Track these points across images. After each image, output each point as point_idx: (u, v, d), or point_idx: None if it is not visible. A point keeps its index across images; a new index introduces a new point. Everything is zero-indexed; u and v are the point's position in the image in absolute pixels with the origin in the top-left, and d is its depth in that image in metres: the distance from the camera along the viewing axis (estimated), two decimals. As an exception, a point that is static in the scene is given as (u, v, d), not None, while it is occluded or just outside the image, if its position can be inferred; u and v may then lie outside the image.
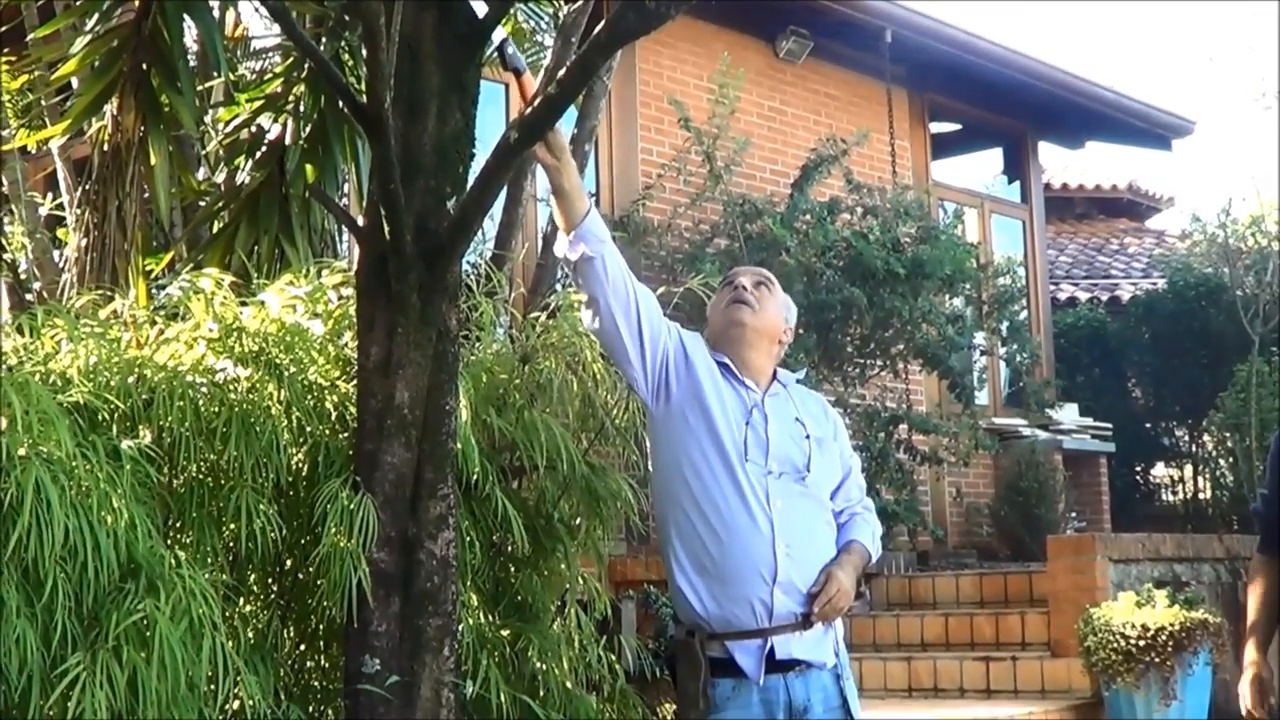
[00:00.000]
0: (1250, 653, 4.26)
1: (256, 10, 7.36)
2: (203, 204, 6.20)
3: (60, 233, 7.06)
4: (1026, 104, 13.39)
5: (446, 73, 4.13)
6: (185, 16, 5.67)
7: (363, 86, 3.88)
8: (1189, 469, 14.88)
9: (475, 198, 3.98)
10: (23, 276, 7.30)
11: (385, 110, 3.77)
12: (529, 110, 3.76)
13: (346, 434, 4.23)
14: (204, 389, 4.11)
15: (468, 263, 7.30)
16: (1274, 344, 12.19)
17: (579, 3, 7.28)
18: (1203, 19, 38.35)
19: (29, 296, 7.04)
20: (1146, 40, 47.28)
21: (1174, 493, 15.27)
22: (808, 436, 3.84)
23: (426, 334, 4.04)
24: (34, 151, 7.59)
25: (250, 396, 4.15)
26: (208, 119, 6.34)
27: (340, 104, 5.45)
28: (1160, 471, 15.54)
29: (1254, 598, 4.31)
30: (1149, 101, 13.99)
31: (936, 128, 13.67)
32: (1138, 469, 15.17)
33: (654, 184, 10.31)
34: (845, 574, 3.74)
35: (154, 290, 5.71)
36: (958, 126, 14.13)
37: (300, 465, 4.23)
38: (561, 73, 3.74)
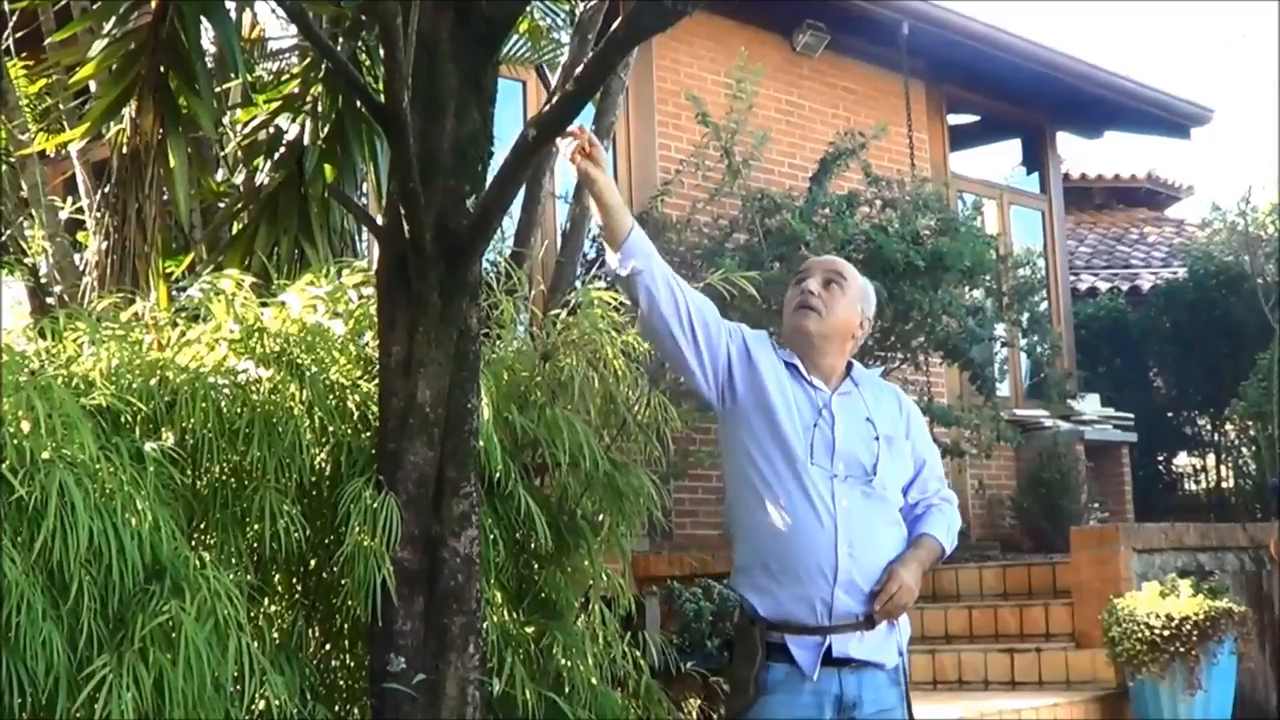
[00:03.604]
0: None
1: (273, 11, 7.39)
2: (222, 205, 6.21)
3: (81, 236, 7.07)
4: (1044, 95, 13.35)
5: (464, 72, 4.13)
6: (202, 19, 5.67)
7: (380, 87, 3.89)
8: (1211, 458, 14.83)
9: (494, 196, 3.98)
10: (43, 280, 7.31)
11: (403, 110, 3.78)
12: (546, 108, 3.77)
13: (369, 433, 4.25)
14: (226, 390, 4.13)
15: (488, 261, 7.34)
16: (1294, 333, 12.14)
17: (595, 0, 7.27)
18: (1221, 7, 38.30)
19: (50, 300, 7.06)
20: (1164, 29, 47.13)
21: (1197, 482, 15.22)
22: (877, 437, 3.79)
23: (447, 333, 4.05)
24: (53, 155, 7.60)
25: (272, 397, 4.16)
26: (226, 120, 6.35)
27: (358, 104, 5.46)
28: (1183, 461, 15.49)
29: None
30: (1167, 91, 13.94)
31: (955, 120, 13.64)
32: (1160, 459, 15.13)
33: (672, 180, 10.29)
34: (909, 571, 3.71)
35: (175, 292, 5.72)
36: (976, 118, 14.09)
37: (323, 465, 4.24)
38: (579, 70, 3.74)
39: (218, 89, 6.16)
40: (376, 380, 4.18)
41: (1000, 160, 14.68)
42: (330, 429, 4.22)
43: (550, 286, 7.38)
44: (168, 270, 5.99)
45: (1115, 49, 44.52)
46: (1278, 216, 13.23)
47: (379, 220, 4.22)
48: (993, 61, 12.38)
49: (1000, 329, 11.20)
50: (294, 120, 5.98)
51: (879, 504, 3.76)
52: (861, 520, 3.69)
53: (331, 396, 4.33)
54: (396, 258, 4.07)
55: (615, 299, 4.93)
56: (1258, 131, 33.87)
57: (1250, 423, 12.60)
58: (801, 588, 3.65)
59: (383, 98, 3.81)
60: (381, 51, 3.88)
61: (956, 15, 11.95)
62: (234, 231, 6.03)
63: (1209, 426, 14.69)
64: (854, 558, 3.66)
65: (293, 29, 6.64)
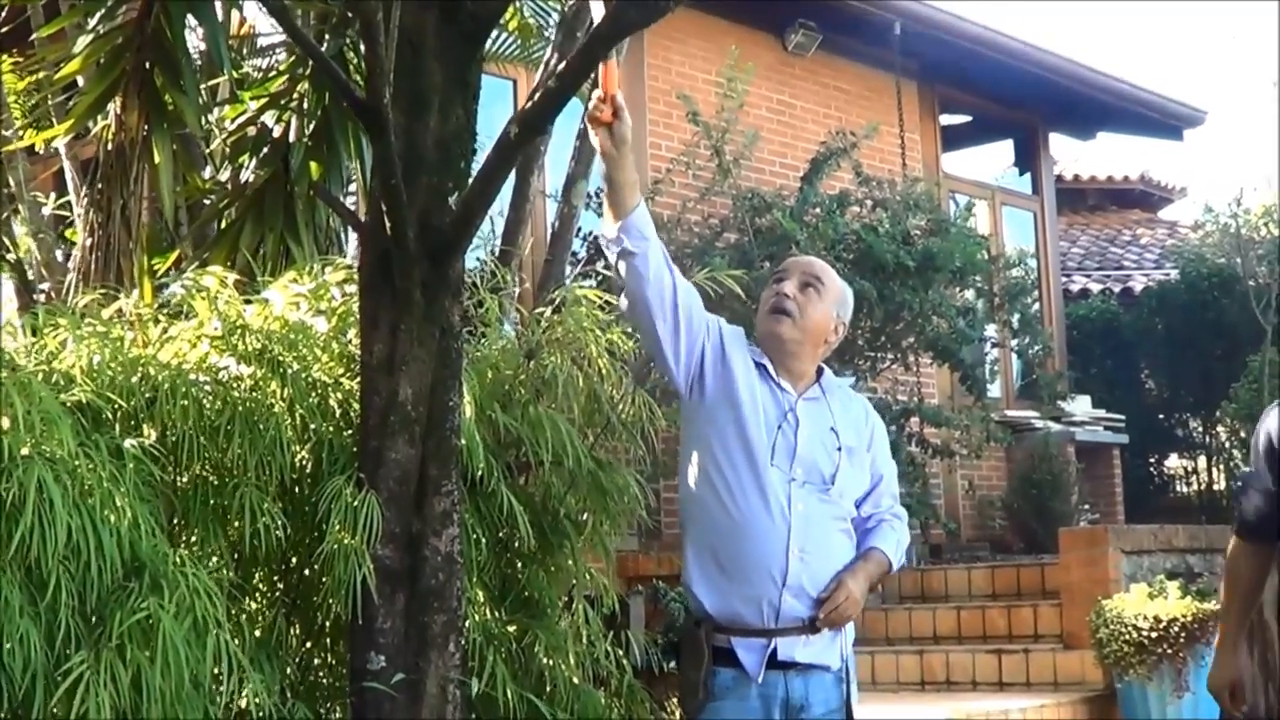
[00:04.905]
0: (1226, 649, 4.18)
1: (261, 8, 7.37)
2: (208, 202, 6.19)
3: (68, 233, 7.05)
4: (1037, 96, 13.35)
5: (448, 69, 4.11)
6: (189, 15, 5.66)
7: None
8: (1203, 460, 14.83)
9: (477, 194, 3.97)
10: (30, 277, 7.28)
11: (385, 107, 3.76)
12: (528, 104, 3.75)
13: (351, 431, 4.23)
14: (207, 387, 4.10)
15: (475, 258, 7.31)
16: (1285, 335, 12.14)
17: (583, -2, 7.25)
18: (1213, 7, 38.32)
19: (38, 297, 7.03)
20: (1156, 30, 47.16)
21: (1188, 484, 15.22)
22: (839, 448, 3.80)
23: (430, 330, 4.03)
24: (41, 151, 7.58)
25: (254, 394, 4.14)
26: (212, 116, 6.33)
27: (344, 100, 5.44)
28: (1174, 463, 15.49)
29: (1237, 587, 4.19)
30: (1160, 92, 13.95)
31: (947, 120, 13.64)
32: (1151, 460, 15.13)
33: (663, 179, 10.28)
34: (856, 582, 3.72)
35: (159, 289, 5.70)
36: (968, 119, 14.10)
37: (304, 463, 4.22)
38: (562, 66, 3.72)
39: (205, 84, 6.14)
40: (359, 378, 4.16)
41: (993, 161, 14.69)
42: (311, 426, 4.20)
43: (538, 284, 7.37)
44: (154, 266, 5.97)
45: (1108, 50, 44.54)
46: (1272, 218, 13.24)
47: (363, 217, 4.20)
48: (985, 62, 12.38)
49: (991, 330, 11.20)
50: (280, 117, 5.96)
51: (834, 512, 3.77)
52: (815, 526, 3.70)
53: (313, 394, 4.31)
54: (379, 255, 4.05)
55: (600, 297, 4.92)
56: (1250, 133, 33.94)
57: (1241, 425, 12.60)
58: (750, 588, 3.66)
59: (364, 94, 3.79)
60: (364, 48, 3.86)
61: (949, 15, 11.95)
62: (220, 228, 6.01)
63: (1200, 429, 14.69)
64: (805, 563, 3.67)
65: (264, 24, 6.64)
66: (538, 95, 3.71)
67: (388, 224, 3.96)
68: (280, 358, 4.23)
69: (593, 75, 3.62)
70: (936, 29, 11.85)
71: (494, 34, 7.84)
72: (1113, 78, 13.41)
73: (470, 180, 4.07)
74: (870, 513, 3.90)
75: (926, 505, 9.80)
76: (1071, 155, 18.33)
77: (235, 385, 4.15)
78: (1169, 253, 15.93)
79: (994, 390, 12.38)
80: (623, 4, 3.54)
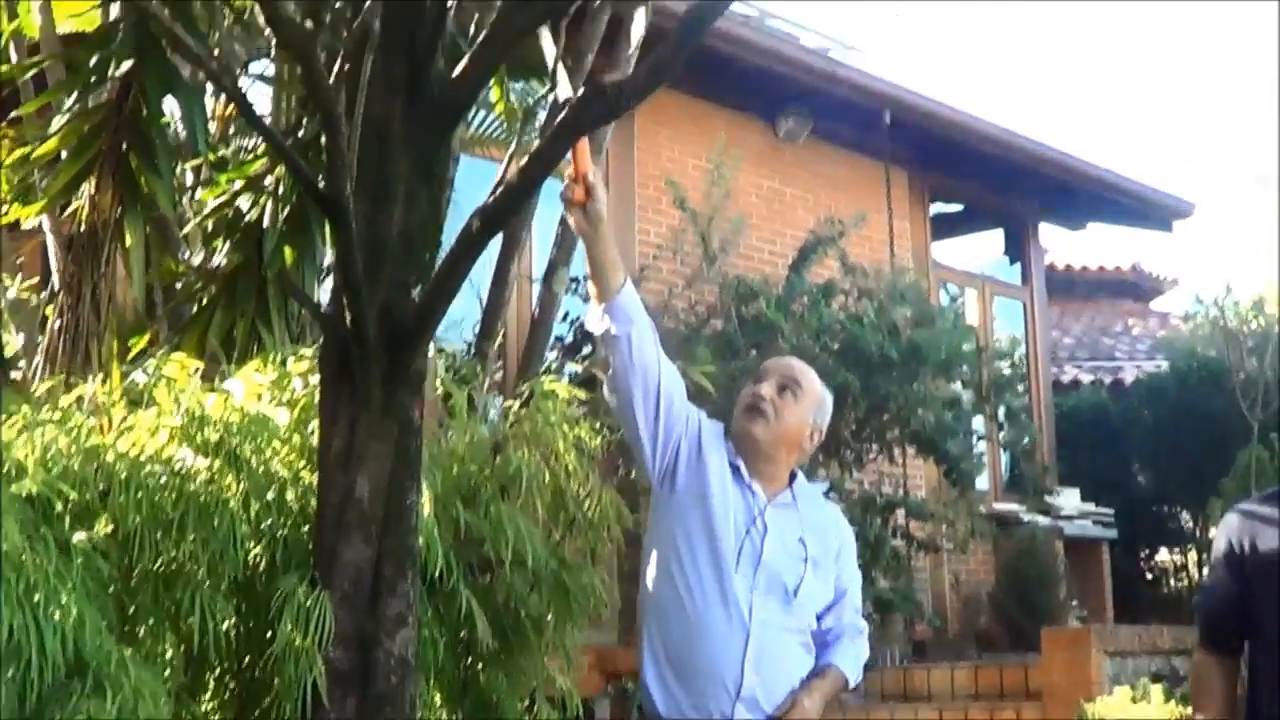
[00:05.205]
0: None
1: (245, 90, 7.34)
2: (180, 286, 6.12)
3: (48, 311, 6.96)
4: (1027, 185, 13.35)
5: (415, 158, 4.05)
6: (167, 95, 5.62)
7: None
8: (1193, 554, 14.70)
9: (439, 287, 3.89)
10: (9, 358, 7.18)
11: (346, 197, 3.70)
12: (491, 197, 3.69)
13: (308, 527, 4.13)
14: (164, 479, 4.01)
15: (455, 348, 7.24)
16: (1275, 429, 12.04)
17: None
18: (1203, 103, 38.61)
19: (15, 378, 6.93)
20: (1146, 123, 47.47)
21: (1178, 579, 15.08)
22: (805, 559, 3.74)
23: (389, 425, 3.94)
24: (24, 228, 7.51)
25: (210, 488, 4.05)
26: (189, 199, 6.27)
27: (319, 186, 5.39)
28: (1165, 557, 15.36)
29: (1206, 700, 4.06)
30: (1149, 183, 13.98)
31: (938, 208, 13.63)
32: (1142, 554, 14.99)
33: (649, 265, 10.23)
34: (812, 701, 3.66)
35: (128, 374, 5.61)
36: (959, 207, 14.09)
37: (259, 559, 4.12)
38: (525, 158, 3.67)
39: (185, 166, 6.10)
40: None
41: (983, 250, 14.66)
42: (267, 522, 4.10)
43: (517, 372, 7.29)
44: (128, 349, 5.88)
45: (1098, 141, 44.82)
46: (1261, 311, 13.19)
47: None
48: (975, 151, 12.38)
49: (978, 422, 11.11)
50: (256, 201, 5.90)
51: (793, 624, 3.71)
52: (773, 637, 3.64)
53: (271, 488, 4.22)
54: (339, 347, 3.97)
55: (570, 391, 4.85)
56: (1237, 225, 34.20)
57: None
58: (702, 696, 3.59)
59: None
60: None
61: (938, 104, 11.98)
62: (193, 313, 5.93)
63: (1191, 522, 14.56)
64: (760, 674, 3.59)
65: (263, 106, 6.58)
66: (501, 188, 3.64)
67: (347, 315, 3.88)
68: (239, 450, 4.14)
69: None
70: (926, 117, 11.87)
71: (480, 117, 7.83)
72: (1102, 168, 13.42)
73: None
74: (831, 625, 3.84)
75: (911, 601, 9.67)
76: (1065, 244, 18.38)
77: (192, 477, 4.05)
78: (1160, 344, 15.89)
79: (982, 483, 12.28)
80: (585, 97, 3.48)
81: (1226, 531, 4.01)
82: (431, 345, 5.86)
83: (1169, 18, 47.11)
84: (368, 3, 3.50)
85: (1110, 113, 46.84)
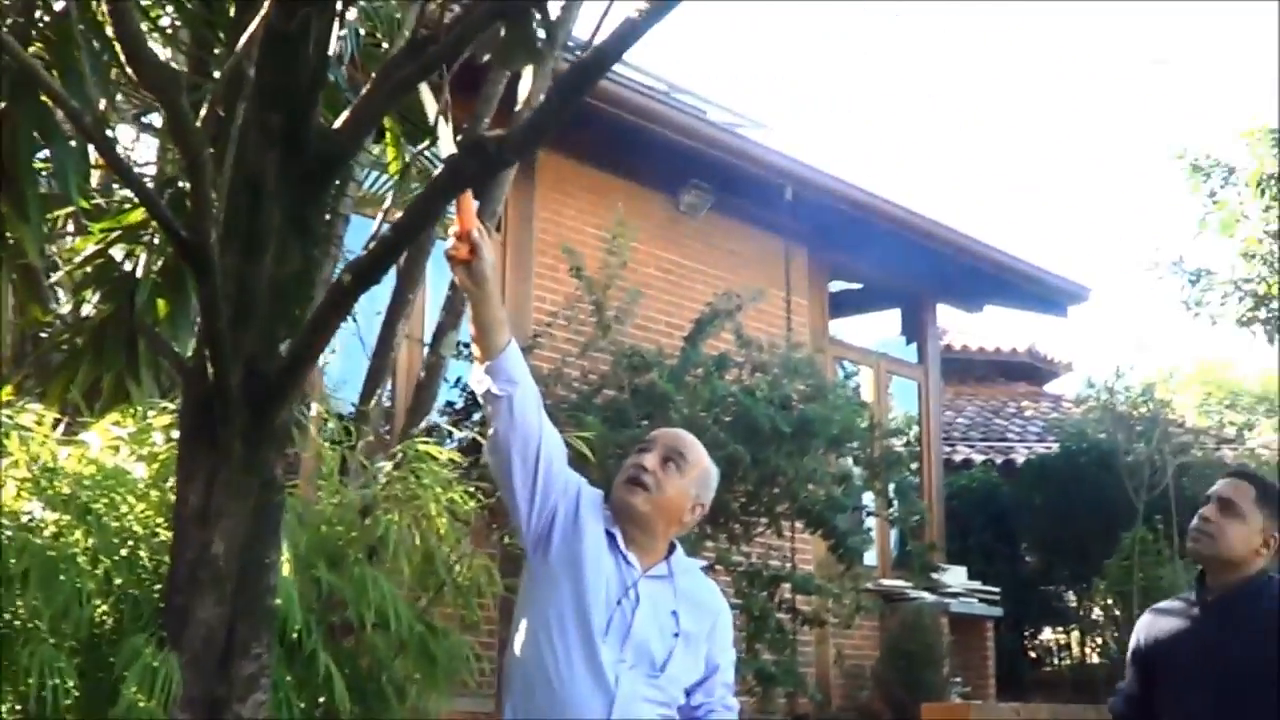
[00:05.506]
0: None
1: (139, 136, 7.21)
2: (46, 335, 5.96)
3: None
4: (925, 266, 13.44)
5: (289, 211, 3.95)
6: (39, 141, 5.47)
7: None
8: (1076, 634, 14.82)
9: (306, 342, 3.79)
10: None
11: (210, 244, 3.59)
12: (364, 252, 3.61)
13: (161, 586, 4.00)
14: (9, 533, 3.87)
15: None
16: (1159, 512, 12.18)
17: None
18: (1100, 189, 39.43)
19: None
20: (1044, 207, 48.32)
21: (1061, 658, 15.18)
22: (676, 634, 3.66)
23: (249, 483, 3.82)
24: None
25: (57, 543, 3.91)
26: (58, 247, 6.12)
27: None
28: (1048, 636, 15.47)
29: None
30: (1045, 267, 14.12)
31: (836, 286, 13.69)
32: (1026, 632, 15.08)
33: (543, 332, 10.16)
34: None
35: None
36: (858, 285, 14.16)
37: (106, 618, 3.98)
38: (399, 216, 3.59)
39: (59, 213, 5.94)
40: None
41: (881, 328, 14.76)
42: (117, 580, 3.96)
43: (398, 435, 7.16)
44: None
45: (997, 224, 45.53)
46: (1151, 396, 13.37)
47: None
48: (874, 229, 12.44)
49: (868, 498, 11.11)
50: (131, 251, 5.76)
51: (659, 698, 3.62)
52: (638, 712, 3.55)
53: (125, 545, 4.08)
54: (200, 400, 3.85)
55: (445, 454, 4.76)
56: (1128, 310, 34.98)
57: (1114, 601, 12.60)
58: None
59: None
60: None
61: (840, 181, 12.04)
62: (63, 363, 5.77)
63: (1076, 602, 14.68)
64: None
65: (147, 154, 6.47)
66: (373, 244, 3.56)
67: (210, 368, 3.77)
68: (91, 504, 4.01)
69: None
70: (828, 195, 11.92)
71: (371, 175, 7.73)
72: (999, 251, 13.55)
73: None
74: (701, 702, 3.75)
75: (792, 674, 9.59)
76: (962, 326, 18.55)
77: (38, 532, 3.91)
78: (1052, 426, 16.07)
79: (870, 558, 12.29)
80: (461, 155, 3.41)
81: (1136, 630, 4.13)
82: (315, 404, 5.78)
83: (1070, 106, 48.06)
84: (239, 46, 3.41)
85: (1009, 197, 47.63)
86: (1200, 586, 4.20)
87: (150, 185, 6.01)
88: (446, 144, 3.89)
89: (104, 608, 3.96)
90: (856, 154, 42.21)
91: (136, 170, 6.38)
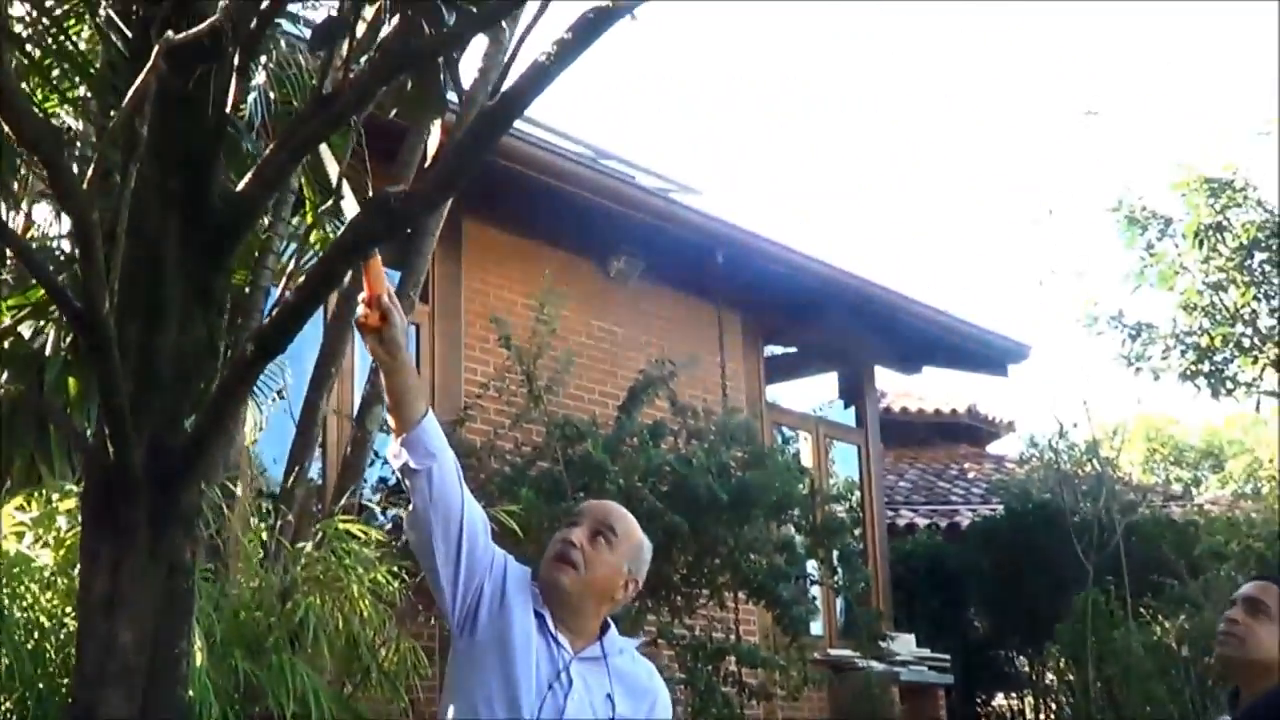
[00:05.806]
0: None
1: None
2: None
3: None
4: (862, 328, 13.29)
5: (191, 279, 3.76)
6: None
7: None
8: (1030, 699, 14.62)
9: (212, 415, 3.58)
10: None
11: (104, 315, 3.39)
12: (267, 321, 3.42)
13: (67, 680, 3.77)
14: (-101, 629, 3.64)
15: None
16: (1110, 572, 12.02)
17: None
18: (1032, 246, 39.70)
19: None
20: (980, 267, 48.58)
21: (1014, 724, 15.01)
22: (612, 718, 3.46)
23: (156, 567, 3.60)
24: None
25: (-49, 638, 3.68)
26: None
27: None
28: (1001, 701, 15.28)
29: None
30: (984, 326, 14.04)
31: (772, 350, 13.55)
32: (979, 699, 14.89)
33: (474, 404, 9.96)
34: None
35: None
36: (794, 350, 14.02)
37: (10, 716, 3.74)
38: (301, 280, 3.40)
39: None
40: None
41: (819, 393, 14.61)
42: (18, 675, 3.73)
43: (325, 513, 6.93)
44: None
45: (932, 284, 45.68)
46: (1096, 454, 13.27)
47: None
48: (810, 292, 12.31)
49: (812, 566, 10.91)
50: (40, 329, 5.54)
51: None
52: None
53: (31, 637, 3.85)
54: (103, 481, 3.63)
55: (368, 532, 4.55)
56: (1069, 368, 35.00)
57: (1065, 665, 12.43)
58: None
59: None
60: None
61: (773, 244, 11.91)
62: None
63: (1028, 666, 14.50)
64: None
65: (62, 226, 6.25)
66: (275, 311, 3.37)
67: (110, 447, 3.56)
68: (-10, 596, 3.78)
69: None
70: (761, 257, 11.79)
71: (293, 248, 7.54)
72: (937, 310, 13.45)
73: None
74: None
75: (741, 749, 9.36)
76: (901, 388, 18.48)
77: (-70, 627, 3.68)
78: (996, 487, 15.95)
79: (816, 628, 12.09)
80: (369, 210, 3.24)
81: None
82: (242, 485, 5.55)
83: (1002, 161, 48.47)
84: (125, 100, 3.22)
85: (942, 255, 47.87)
86: (1233, 706, 3.96)
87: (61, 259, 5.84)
88: (352, 204, 3.73)
89: (8, 705, 3.72)
90: (789, 218, 42.29)
91: (49, 243, 6.20)
